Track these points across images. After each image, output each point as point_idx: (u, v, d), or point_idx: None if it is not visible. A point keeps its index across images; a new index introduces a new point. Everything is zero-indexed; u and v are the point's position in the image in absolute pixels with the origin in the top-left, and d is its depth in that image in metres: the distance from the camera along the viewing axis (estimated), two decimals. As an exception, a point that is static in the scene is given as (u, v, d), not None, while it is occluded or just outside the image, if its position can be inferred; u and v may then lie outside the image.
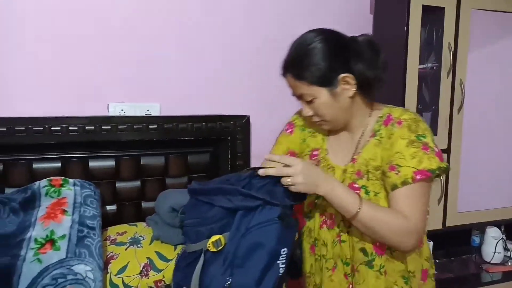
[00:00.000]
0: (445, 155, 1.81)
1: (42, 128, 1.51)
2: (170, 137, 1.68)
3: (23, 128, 1.49)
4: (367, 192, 1.06)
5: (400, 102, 1.68)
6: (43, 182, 1.42)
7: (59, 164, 1.59)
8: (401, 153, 0.99)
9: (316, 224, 1.18)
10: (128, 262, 1.40)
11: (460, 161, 1.84)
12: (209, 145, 1.78)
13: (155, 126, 1.65)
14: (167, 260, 1.45)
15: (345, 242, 1.12)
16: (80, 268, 1.22)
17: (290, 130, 1.32)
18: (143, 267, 1.41)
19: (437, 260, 2.01)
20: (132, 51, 1.67)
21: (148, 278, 1.40)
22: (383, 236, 0.99)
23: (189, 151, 1.76)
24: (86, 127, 1.56)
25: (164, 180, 1.74)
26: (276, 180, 0.98)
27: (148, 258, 1.43)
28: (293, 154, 1.28)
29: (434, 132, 1.76)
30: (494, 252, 1.99)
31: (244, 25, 1.82)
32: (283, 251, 0.96)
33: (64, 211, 1.33)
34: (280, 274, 0.97)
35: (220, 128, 1.73)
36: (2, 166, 1.52)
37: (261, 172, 0.98)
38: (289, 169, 0.96)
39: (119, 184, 1.68)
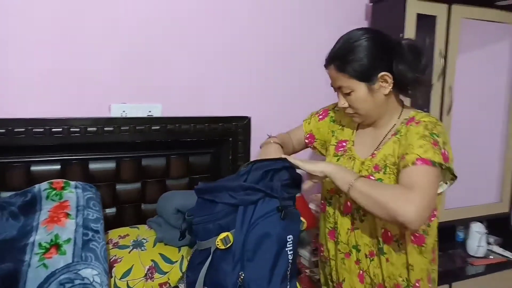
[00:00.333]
0: (434, 156, 1.90)
1: (42, 130, 1.48)
2: (172, 138, 1.68)
3: (23, 130, 1.45)
4: None
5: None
6: (44, 185, 1.39)
7: (59, 167, 1.56)
8: (412, 145, 1.03)
9: (336, 209, 1.25)
10: (132, 266, 1.39)
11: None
12: (211, 146, 1.79)
13: (158, 127, 1.64)
14: (171, 262, 1.45)
15: (358, 229, 1.19)
16: (87, 273, 1.20)
17: (322, 116, 1.39)
18: (148, 270, 1.40)
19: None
20: (134, 52, 1.65)
21: (153, 281, 1.40)
22: (382, 201, 0.97)
23: (190, 152, 1.76)
24: (88, 129, 1.54)
25: (165, 181, 1.73)
26: (272, 175, 1.06)
27: (152, 260, 1.43)
28: (312, 137, 1.39)
29: (425, 134, 1.87)
30: (478, 246, 2.10)
31: (246, 27, 1.83)
32: (289, 238, 1.01)
33: (67, 215, 1.31)
34: (290, 261, 1.02)
35: (222, 129, 1.74)
36: (-1, 169, 1.48)
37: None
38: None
39: (119, 186, 1.66)
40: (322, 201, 1.34)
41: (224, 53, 1.81)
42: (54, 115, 1.52)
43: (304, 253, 1.86)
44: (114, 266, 1.38)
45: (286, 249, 1.02)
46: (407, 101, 1.27)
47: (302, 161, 1.14)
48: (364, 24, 2.07)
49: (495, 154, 2.11)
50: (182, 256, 1.48)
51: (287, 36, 1.91)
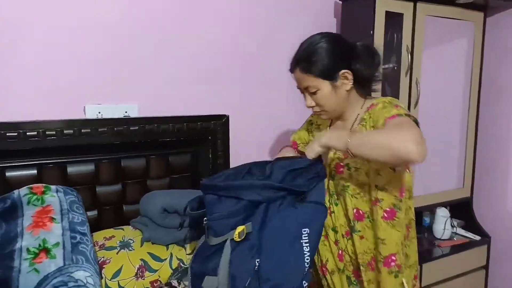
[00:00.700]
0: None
1: (16, 134, 1.43)
2: (151, 138, 1.67)
3: (-4, 134, 1.40)
4: (349, 168, 1.24)
5: (367, 100, 1.83)
6: (23, 190, 1.36)
7: (35, 171, 1.52)
8: (378, 115, 1.15)
9: None
10: (122, 266, 1.40)
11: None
12: (190, 146, 1.80)
13: (136, 127, 1.63)
14: (161, 260, 1.47)
15: (333, 213, 1.30)
16: (80, 275, 1.21)
17: (303, 125, 1.53)
18: (138, 269, 1.41)
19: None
20: (107, 51, 1.62)
21: (144, 279, 1.41)
22: (385, 144, 1.00)
23: (170, 152, 1.76)
24: (65, 131, 1.50)
25: (145, 182, 1.73)
26: (294, 175, 1.12)
27: (142, 260, 1.44)
28: (295, 144, 1.50)
29: (395, 126, 1.97)
30: (444, 229, 2.25)
31: (223, 26, 1.84)
32: (304, 231, 1.07)
33: (52, 219, 1.30)
34: (306, 254, 1.07)
35: (201, 128, 1.75)
36: (-28, 176, 1.42)
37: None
38: None
39: (99, 189, 1.64)
40: None
41: (200, 52, 1.81)
42: (27, 118, 1.47)
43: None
44: (104, 267, 1.38)
45: (301, 241, 1.08)
46: (378, 94, 1.36)
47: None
48: (334, 21, 2.14)
49: (457, 143, 2.26)
50: (171, 253, 1.49)
51: (262, 34, 1.94)
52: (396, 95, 1.95)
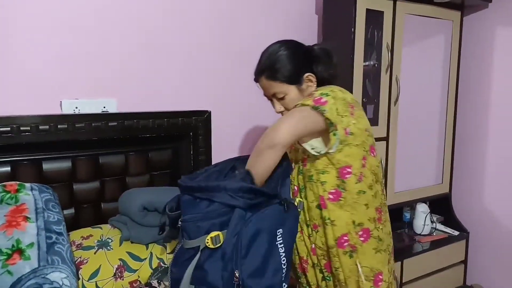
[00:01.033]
0: (384, 143, 2.03)
1: (-12, 129, 1.37)
2: (130, 134, 1.63)
3: (-33, 130, 1.34)
4: (309, 157, 1.26)
5: (348, 96, 1.84)
6: (-4, 188, 1.30)
7: (9, 168, 1.46)
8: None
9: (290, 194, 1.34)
10: (100, 266, 1.36)
11: (396, 147, 2.08)
12: (171, 142, 1.77)
13: (115, 123, 1.59)
14: (140, 260, 1.44)
15: (304, 207, 1.30)
16: (56, 276, 1.16)
17: None
18: (117, 269, 1.38)
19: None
20: (84, 44, 1.57)
21: (122, 279, 1.38)
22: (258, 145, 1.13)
23: (150, 148, 1.73)
24: (40, 127, 1.45)
25: (124, 179, 1.69)
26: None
27: (120, 259, 1.40)
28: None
29: (375, 123, 1.99)
30: (424, 225, 2.29)
31: (205, 21, 1.83)
32: (278, 232, 1.06)
33: (26, 218, 1.25)
34: (281, 255, 1.06)
35: (182, 124, 1.73)
36: None
37: None
38: None
39: (76, 186, 1.59)
40: None
41: (182, 46, 1.78)
42: (1, 113, 1.41)
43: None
44: (81, 268, 1.34)
45: (277, 242, 1.07)
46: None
47: None
48: (315, 18, 2.15)
49: (435, 140, 2.30)
50: (151, 253, 1.47)
51: (245, 30, 1.93)
52: (376, 92, 1.97)
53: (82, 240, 1.44)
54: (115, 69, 1.65)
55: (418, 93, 2.16)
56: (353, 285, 1.24)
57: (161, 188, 1.64)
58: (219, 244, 1.02)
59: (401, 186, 2.16)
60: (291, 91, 1.23)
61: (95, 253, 1.39)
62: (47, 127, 1.47)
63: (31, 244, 1.18)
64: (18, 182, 1.34)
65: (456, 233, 2.35)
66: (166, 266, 1.44)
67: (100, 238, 1.46)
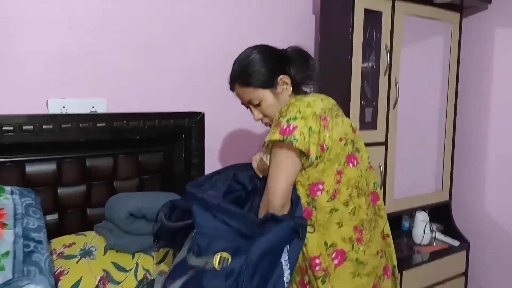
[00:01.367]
0: (382, 147, 1.97)
1: (-32, 129, 1.30)
2: (119, 136, 1.56)
3: None
4: None
5: (346, 98, 1.79)
6: (-27, 192, 1.23)
7: (-11, 170, 1.38)
8: (273, 125, 1.15)
9: None
10: (81, 277, 1.28)
11: (396, 152, 2.02)
12: (162, 144, 1.70)
13: (104, 124, 1.52)
14: (125, 271, 1.36)
15: None
16: (31, 289, 1.07)
17: None
18: (99, 280, 1.30)
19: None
20: (73, 41, 1.51)
21: (106, 292, 1.29)
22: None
23: (140, 150, 1.66)
24: (24, 127, 1.38)
25: (112, 183, 1.61)
26: None
27: (104, 270, 1.32)
28: None
29: (374, 127, 1.93)
30: (424, 234, 2.21)
31: (198, 19, 1.77)
32: (286, 248, 0.99)
33: (4, 225, 1.16)
34: (286, 272, 0.98)
35: (174, 126, 1.66)
36: None
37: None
38: None
39: (61, 190, 1.51)
40: None
41: (175, 46, 1.72)
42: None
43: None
44: (60, 279, 1.25)
45: (282, 259, 1.00)
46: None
47: None
48: (313, 18, 2.11)
49: (435, 145, 2.25)
50: (137, 263, 1.38)
51: (239, 29, 1.88)
52: (375, 94, 1.92)
53: (64, 248, 1.36)
54: (106, 68, 1.58)
55: (417, 96, 2.11)
56: None
57: (150, 193, 1.57)
58: (224, 265, 0.96)
59: (400, 193, 2.09)
60: (266, 96, 1.18)
61: (77, 262, 1.31)
62: (32, 127, 1.39)
63: (7, 253, 1.09)
64: (-3, 185, 1.27)
65: (457, 243, 2.27)
66: (152, 278, 1.36)
67: (84, 246, 1.38)
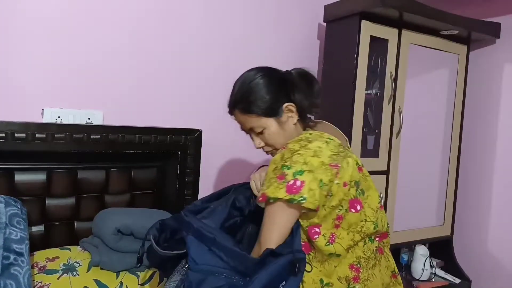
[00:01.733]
0: (384, 177, 1.92)
1: (-43, 134, 1.27)
2: (113, 149, 1.53)
3: None
4: None
5: (348, 125, 1.75)
6: (-44, 198, 1.19)
7: (-24, 178, 1.35)
8: (267, 176, 1.04)
9: None
10: (62, 294, 1.22)
11: (397, 182, 1.96)
12: (157, 160, 1.66)
13: (98, 136, 1.49)
14: (108, 289, 1.29)
15: None
16: (6, 304, 1.02)
17: None
18: (80, 298, 1.24)
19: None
20: (72, 51, 1.50)
21: (85, 311, 1.23)
22: None
23: (134, 165, 1.62)
24: (16, 134, 1.34)
25: (103, 197, 1.57)
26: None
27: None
28: None
29: (376, 155, 1.89)
30: (423, 269, 2.13)
31: (202, 38, 1.77)
32: (282, 285, 0.92)
33: (-17, 234, 1.12)
34: None
35: (170, 142, 1.62)
36: None
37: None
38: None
39: (49, 201, 1.47)
40: None
41: (176, 61, 1.71)
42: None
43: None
44: (39, 295, 1.20)
45: None
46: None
47: None
48: (317, 43, 2.09)
49: (438, 177, 2.19)
50: (121, 282, 1.32)
51: (241, 52, 1.87)
52: (378, 122, 1.88)
53: (46, 262, 1.30)
54: (104, 79, 1.57)
55: (421, 127, 2.07)
56: None
57: (141, 210, 1.52)
58: None
59: (400, 225, 2.03)
60: (270, 124, 1.09)
61: (58, 278, 1.25)
62: (24, 135, 1.36)
63: (-17, 264, 1.05)
64: (-18, 193, 1.23)
65: (457, 281, 2.18)
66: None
67: (67, 261, 1.32)
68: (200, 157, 1.70)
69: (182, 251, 1.01)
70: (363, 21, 1.74)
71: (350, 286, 1.09)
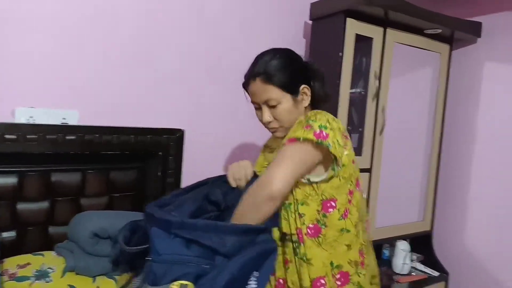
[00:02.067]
0: (367, 174, 1.92)
1: None
2: (90, 150, 1.46)
3: None
4: None
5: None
6: None
7: None
8: (292, 131, 1.10)
9: None
10: (34, 302, 1.17)
11: (380, 179, 1.97)
12: (136, 161, 1.60)
13: (74, 137, 1.42)
14: (84, 296, 1.24)
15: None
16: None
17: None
18: (55, 306, 1.19)
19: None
20: (47, 48, 1.42)
21: (60, 320, 1.18)
22: (246, 216, 0.99)
23: (112, 167, 1.56)
24: (-16, 136, 1.27)
25: (79, 200, 1.51)
26: None
27: (60, 294, 1.21)
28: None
29: (359, 153, 1.88)
30: (403, 264, 2.17)
31: (181, 35, 1.70)
32: (255, 275, 0.90)
33: None
34: None
35: (151, 142, 1.57)
36: None
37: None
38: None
39: (21, 205, 1.40)
40: None
41: (156, 59, 1.65)
42: None
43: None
44: (9, 305, 1.14)
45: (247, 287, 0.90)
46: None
47: None
48: (303, 41, 2.06)
49: (419, 174, 2.21)
50: (98, 287, 1.27)
51: (225, 50, 1.82)
52: (362, 121, 1.87)
53: (17, 269, 1.24)
54: (80, 78, 1.49)
55: (403, 125, 2.07)
56: None
57: (118, 212, 1.46)
58: None
59: (382, 221, 2.04)
60: (285, 100, 1.12)
61: (30, 285, 1.19)
62: (-7, 136, 1.29)
63: None
64: None
65: (436, 274, 2.23)
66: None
67: (40, 267, 1.27)
68: (182, 157, 1.65)
69: (147, 245, 0.96)
70: (348, 19, 1.71)
71: (358, 270, 1.12)
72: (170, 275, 0.87)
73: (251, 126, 1.89)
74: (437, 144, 2.21)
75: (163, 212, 0.97)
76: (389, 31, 1.86)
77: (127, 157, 1.56)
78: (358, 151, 1.89)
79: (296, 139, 1.04)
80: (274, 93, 1.11)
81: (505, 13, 2.05)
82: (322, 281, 1.08)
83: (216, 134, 1.81)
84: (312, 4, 1.86)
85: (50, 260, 1.31)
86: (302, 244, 1.09)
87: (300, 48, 2.04)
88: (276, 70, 1.11)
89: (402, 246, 2.20)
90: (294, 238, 1.11)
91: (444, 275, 2.24)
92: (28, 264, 1.27)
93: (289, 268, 1.12)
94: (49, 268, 1.27)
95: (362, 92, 1.88)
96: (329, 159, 1.07)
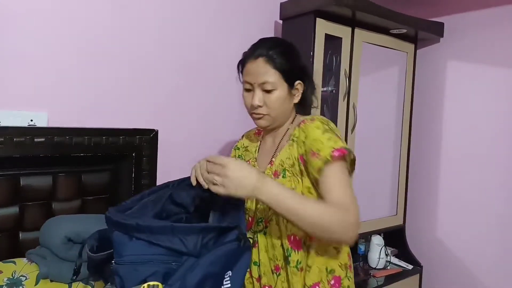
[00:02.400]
0: (340, 172, 1.96)
1: None
2: (60, 152, 1.42)
3: None
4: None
5: (305, 122, 1.77)
6: None
7: None
8: (319, 139, 1.04)
9: None
10: (5, 311, 1.12)
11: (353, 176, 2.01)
12: (109, 163, 1.57)
13: (43, 139, 1.38)
14: (59, 303, 1.21)
15: (257, 243, 1.16)
16: None
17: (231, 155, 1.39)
18: (28, 314, 1.14)
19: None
20: (11, 45, 1.37)
21: (34, 329, 1.14)
22: (325, 226, 0.95)
23: (83, 169, 1.52)
24: None
25: (50, 204, 1.46)
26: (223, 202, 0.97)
27: (33, 302, 1.17)
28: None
29: (332, 151, 1.92)
30: (379, 258, 2.22)
31: (154, 34, 1.69)
32: (227, 275, 0.88)
33: None
34: None
35: (124, 143, 1.54)
36: None
37: (192, 180, 1.03)
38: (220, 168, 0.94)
39: (-12, 212, 1.34)
40: None
41: (128, 56, 1.62)
42: None
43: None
44: (-22, 316, 1.09)
45: (223, 287, 0.88)
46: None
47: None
48: (274, 41, 2.09)
49: (390, 170, 2.28)
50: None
51: (196, 50, 1.82)
52: (334, 119, 1.92)
53: (-13, 278, 1.19)
54: (48, 77, 1.45)
55: (374, 122, 2.14)
56: None
57: (92, 216, 1.42)
58: None
59: (356, 217, 2.09)
60: (282, 88, 1.10)
61: (1, 294, 1.15)
62: (-45, 140, 1.23)
63: None
64: None
65: (410, 267, 2.30)
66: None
67: (12, 275, 1.21)
68: (156, 158, 1.63)
69: (112, 250, 0.93)
70: (318, 19, 1.75)
71: (347, 274, 1.14)
72: (138, 276, 0.85)
73: (226, 125, 1.91)
74: (406, 140, 2.28)
75: (121, 215, 0.94)
76: (357, 31, 1.92)
77: (99, 159, 1.52)
78: (331, 148, 1.93)
79: (347, 151, 1.02)
80: (273, 77, 1.08)
81: (466, 13, 2.16)
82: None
83: (191, 134, 1.80)
84: (282, 4, 1.89)
85: (23, 267, 1.25)
86: (296, 251, 1.08)
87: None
88: (281, 55, 1.09)
89: (377, 241, 2.25)
90: (286, 245, 1.10)
91: (418, 268, 2.31)
92: (0, 272, 1.22)
93: (280, 274, 1.12)
94: (21, 276, 1.22)
95: (334, 91, 1.93)
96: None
